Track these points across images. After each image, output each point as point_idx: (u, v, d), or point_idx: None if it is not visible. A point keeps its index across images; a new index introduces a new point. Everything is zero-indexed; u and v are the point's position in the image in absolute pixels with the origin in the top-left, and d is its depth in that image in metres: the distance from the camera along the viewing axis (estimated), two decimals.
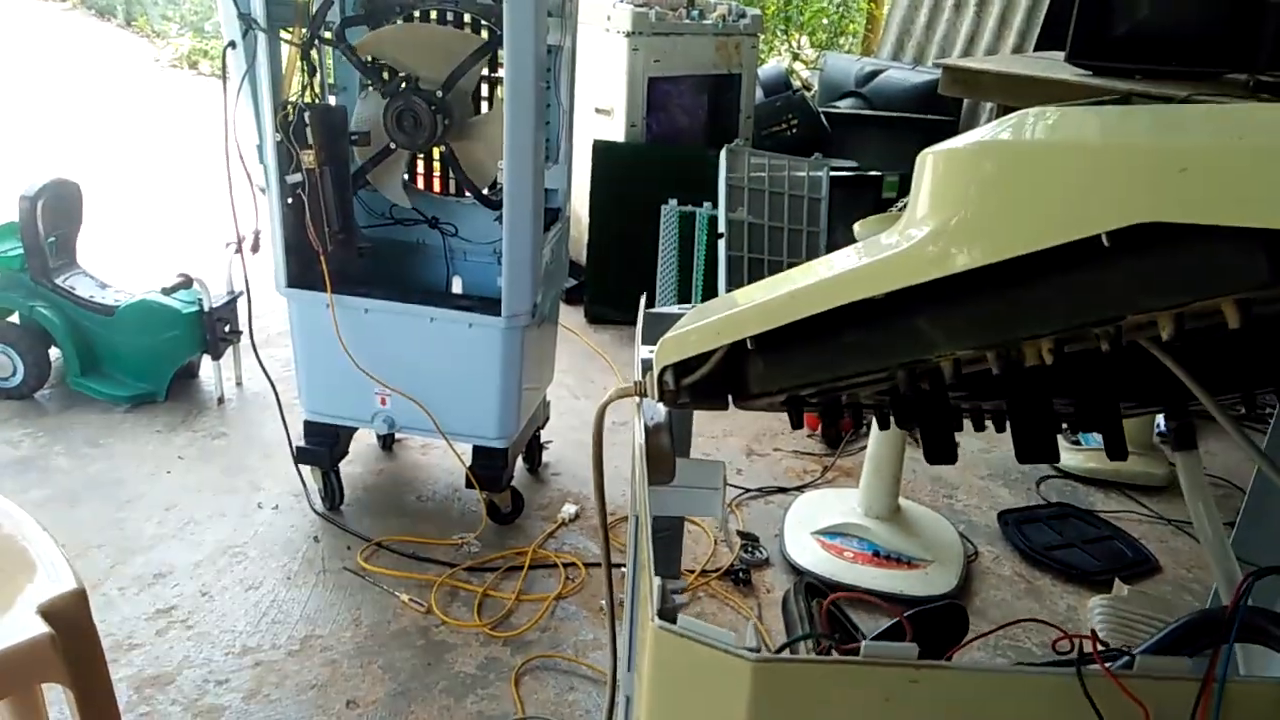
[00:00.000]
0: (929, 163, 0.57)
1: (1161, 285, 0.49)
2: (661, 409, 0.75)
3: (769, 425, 3.36)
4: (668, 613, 0.58)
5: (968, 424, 0.91)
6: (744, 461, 3.13)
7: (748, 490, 2.93)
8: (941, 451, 0.73)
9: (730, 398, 0.72)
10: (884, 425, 0.81)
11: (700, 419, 3.34)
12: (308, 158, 2.37)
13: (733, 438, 3.26)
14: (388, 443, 2.95)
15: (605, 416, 0.75)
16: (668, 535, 1.00)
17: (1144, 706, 0.55)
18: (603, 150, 3.93)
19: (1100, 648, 0.57)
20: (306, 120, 2.36)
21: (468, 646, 2.18)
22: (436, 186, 2.80)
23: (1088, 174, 0.49)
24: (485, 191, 2.60)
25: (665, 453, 0.71)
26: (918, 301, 0.57)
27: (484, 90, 2.69)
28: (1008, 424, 0.91)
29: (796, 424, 0.74)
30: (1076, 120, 0.56)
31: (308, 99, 2.43)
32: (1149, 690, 0.56)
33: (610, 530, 2.52)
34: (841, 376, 0.62)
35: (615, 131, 3.97)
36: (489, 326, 2.39)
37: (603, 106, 4.02)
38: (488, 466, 2.53)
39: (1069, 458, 3.08)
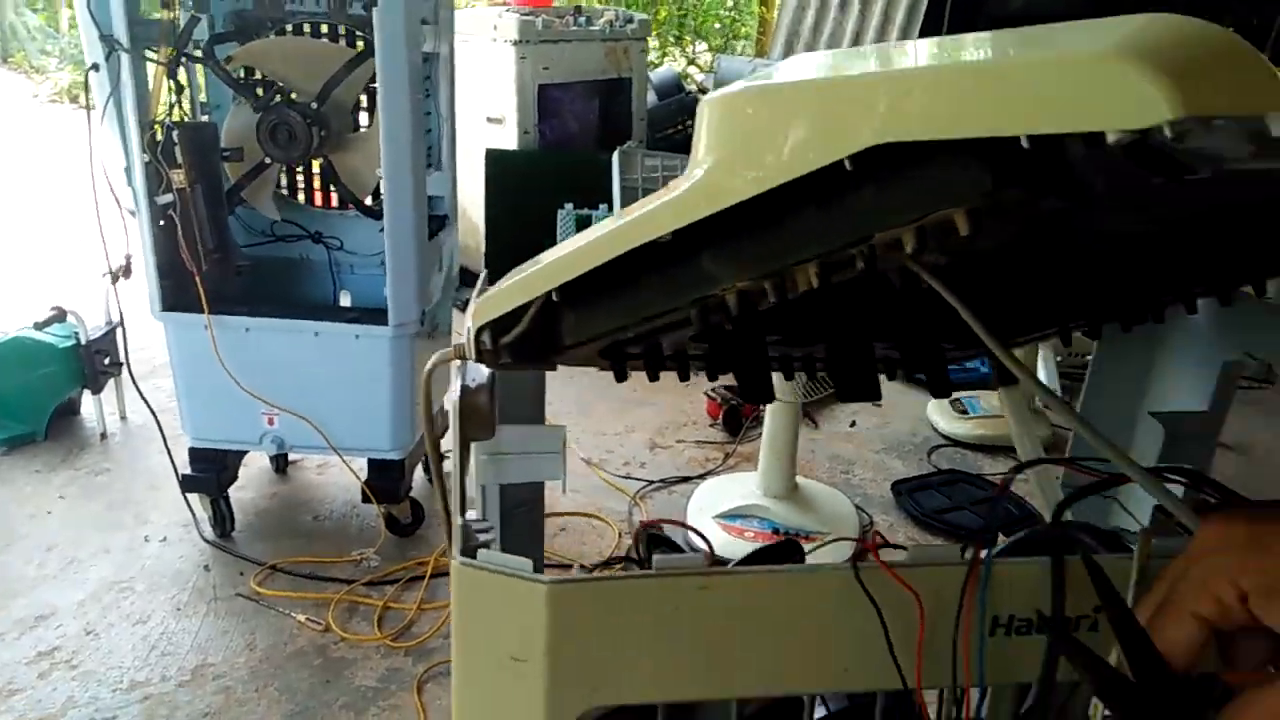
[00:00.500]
0: (704, 110, 0.61)
1: (900, 203, 0.53)
2: (484, 371, 0.77)
3: (672, 419, 3.41)
4: (469, 550, 0.61)
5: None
6: (647, 455, 3.17)
7: (651, 482, 2.96)
8: (756, 390, 0.77)
9: (551, 355, 0.74)
10: (713, 374, 0.85)
11: (604, 416, 3.36)
12: (178, 177, 2.33)
13: (636, 433, 3.30)
14: (281, 464, 2.89)
15: (431, 384, 0.76)
16: (525, 509, 1.02)
17: (915, 592, 0.60)
18: (495, 158, 3.94)
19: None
20: (175, 139, 2.31)
21: (368, 660, 2.15)
22: (318, 200, 2.77)
23: (828, 105, 0.53)
24: (368, 202, 2.58)
25: (483, 411, 0.73)
26: (700, 241, 0.61)
27: (364, 102, 2.68)
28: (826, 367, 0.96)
29: (620, 376, 0.77)
30: (825, 59, 0.61)
31: (176, 118, 2.38)
32: (923, 578, 0.60)
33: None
34: (644, 319, 0.65)
35: (508, 139, 3.99)
36: (377, 337, 2.37)
37: (494, 115, 4.03)
38: (384, 479, 2.50)
39: (956, 426, 3.21)
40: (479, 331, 0.71)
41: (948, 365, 1.03)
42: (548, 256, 0.69)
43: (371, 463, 2.51)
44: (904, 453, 3.21)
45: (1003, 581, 0.61)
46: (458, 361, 0.75)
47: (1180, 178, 0.82)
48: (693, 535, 2.17)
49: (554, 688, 0.60)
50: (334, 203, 2.75)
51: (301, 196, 2.76)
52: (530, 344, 0.74)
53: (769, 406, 2.87)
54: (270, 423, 2.47)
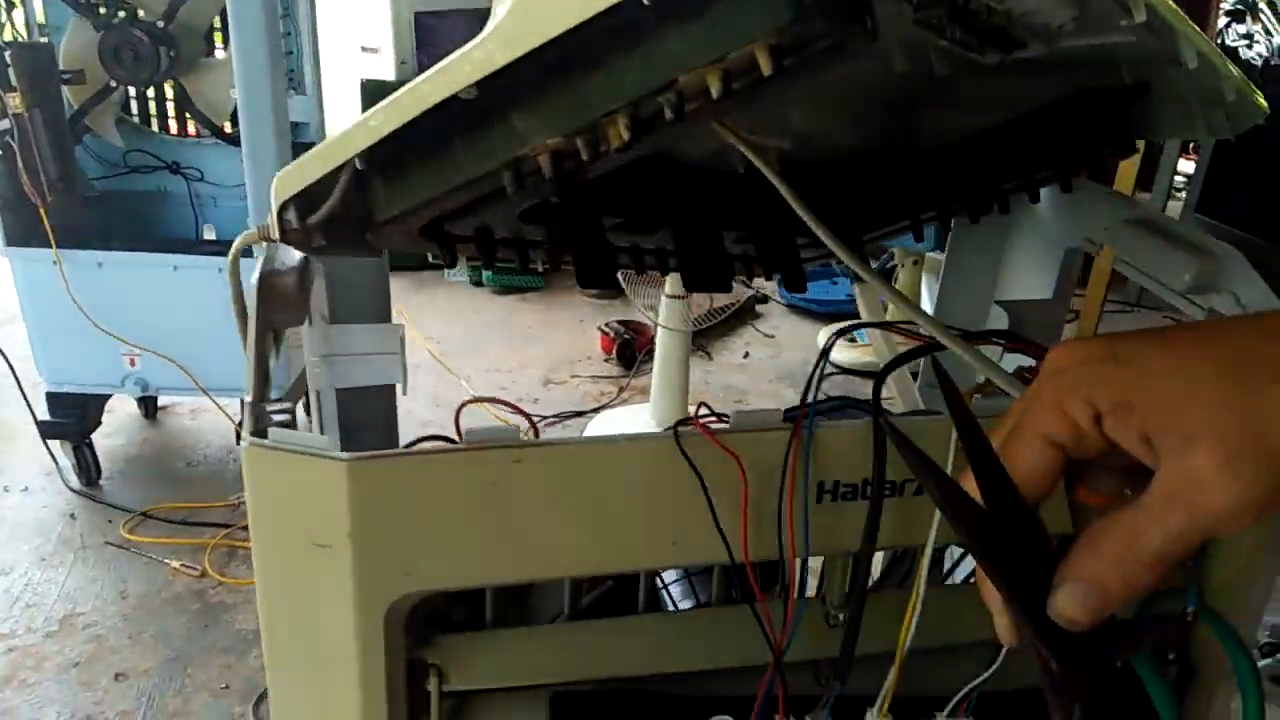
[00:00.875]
0: None
1: (700, 38, 0.51)
2: (295, 255, 0.72)
3: (566, 355, 3.38)
4: (260, 430, 0.56)
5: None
6: (541, 391, 3.13)
7: (545, 418, 2.93)
8: (595, 273, 0.74)
9: (366, 235, 0.69)
10: (554, 262, 0.81)
11: (497, 354, 3.30)
12: (14, 101, 2.15)
13: (529, 369, 3.25)
14: (150, 409, 2.75)
15: (238, 270, 0.71)
16: (373, 434, 0.98)
17: (735, 455, 0.58)
18: (372, 89, 3.77)
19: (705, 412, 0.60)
20: (9, 61, 2.12)
21: (250, 604, 2.08)
22: (173, 128, 2.60)
23: None
24: (228, 129, 2.43)
25: (286, 292, 0.68)
26: (507, 96, 0.57)
27: (220, 24, 2.51)
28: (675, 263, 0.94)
29: (450, 261, 0.73)
30: None
31: (8, 38, 2.19)
32: (745, 444, 0.59)
33: None
34: (457, 188, 0.61)
35: (385, 70, 3.82)
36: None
37: (369, 45, 3.86)
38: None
39: (846, 354, 3.27)
40: (282, 208, 0.65)
41: (801, 260, 1.03)
42: (353, 122, 0.64)
43: (245, 403, 2.40)
44: (796, 381, 3.26)
45: (828, 446, 0.60)
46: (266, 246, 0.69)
47: (1009, 50, 0.81)
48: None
49: (362, 574, 0.57)
50: (192, 131, 2.59)
51: (155, 124, 2.58)
52: (343, 223, 0.70)
53: (659, 338, 2.87)
54: (132, 364, 2.33)
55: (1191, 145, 3.64)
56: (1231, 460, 0.36)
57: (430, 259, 0.79)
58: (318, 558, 0.57)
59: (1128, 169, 3.35)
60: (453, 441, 0.57)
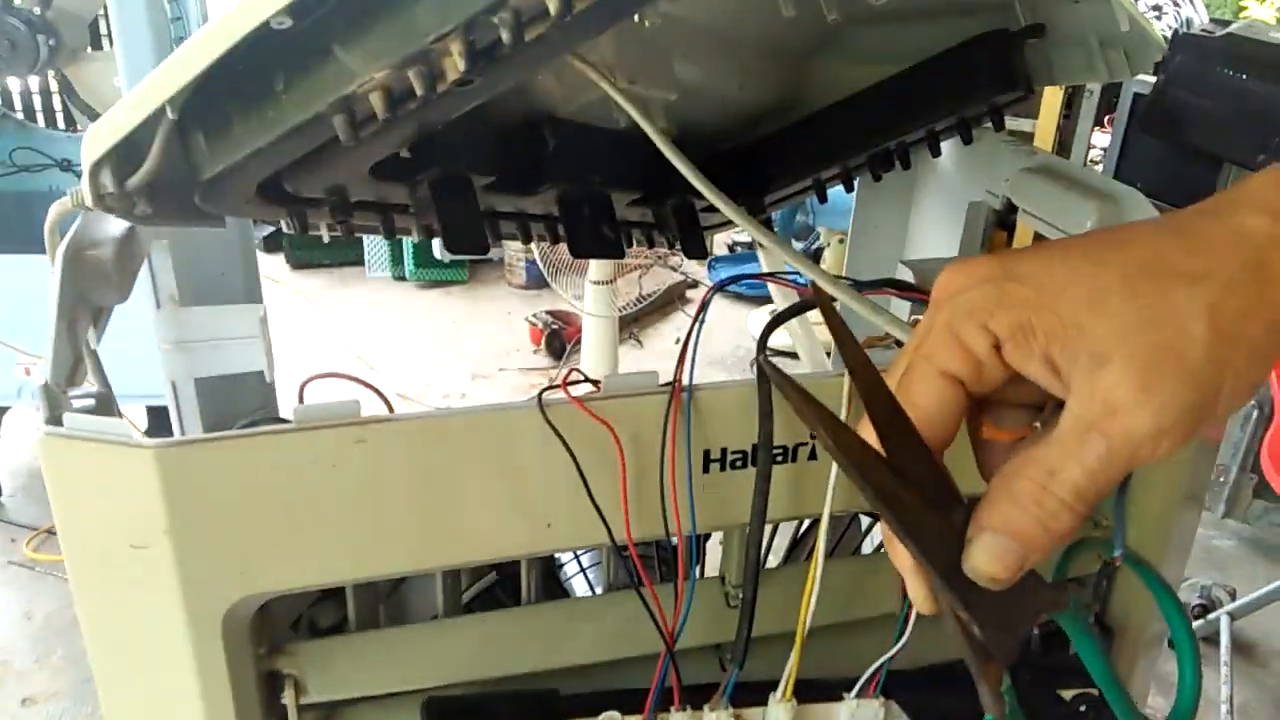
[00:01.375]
0: None
1: None
2: (117, 224, 0.64)
3: (494, 348, 3.30)
4: (56, 418, 0.49)
5: None
6: (469, 386, 3.05)
7: None
8: (463, 238, 0.68)
9: (196, 200, 0.62)
10: (426, 230, 0.75)
11: (421, 349, 3.20)
12: None
13: (456, 364, 3.17)
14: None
15: (56, 244, 0.63)
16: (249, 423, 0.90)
17: (607, 424, 0.53)
18: None
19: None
20: None
21: None
22: (61, 123, 2.46)
23: None
24: None
25: (103, 268, 0.60)
26: (327, 26, 0.51)
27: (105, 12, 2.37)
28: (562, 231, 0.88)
29: (300, 228, 0.66)
30: None
31: None
32: (620, 411, 0.54)
33: None
34: (285, 136, 0.54)
35: None
36: None
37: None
38: (166, 427, 2.28)
39: (783, 337, 3.25)
40: (95, 170, 0.58)
41: (702, 226, 0.98)
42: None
43: (150, 410, 2.28)
44: (728, 365, 3.23)
45: (712, 410, 0.55)
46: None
47: None
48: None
49: (188, 578, 0.50)
50: (81, 127, 2.45)
51: (42, 119, 2.44)
52: (168, 186, 0.62)
53: (585, 326, 2.81)
54: (27, 373, 2.19)
55: (1107, 118, 3.69)
56: (1148, 377, 0.32)
57: (326, 237, 0.72)
58: (136, 560, 0.50)
59: (1044, 144, 3.39)
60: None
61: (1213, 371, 0.32)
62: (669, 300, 3.69)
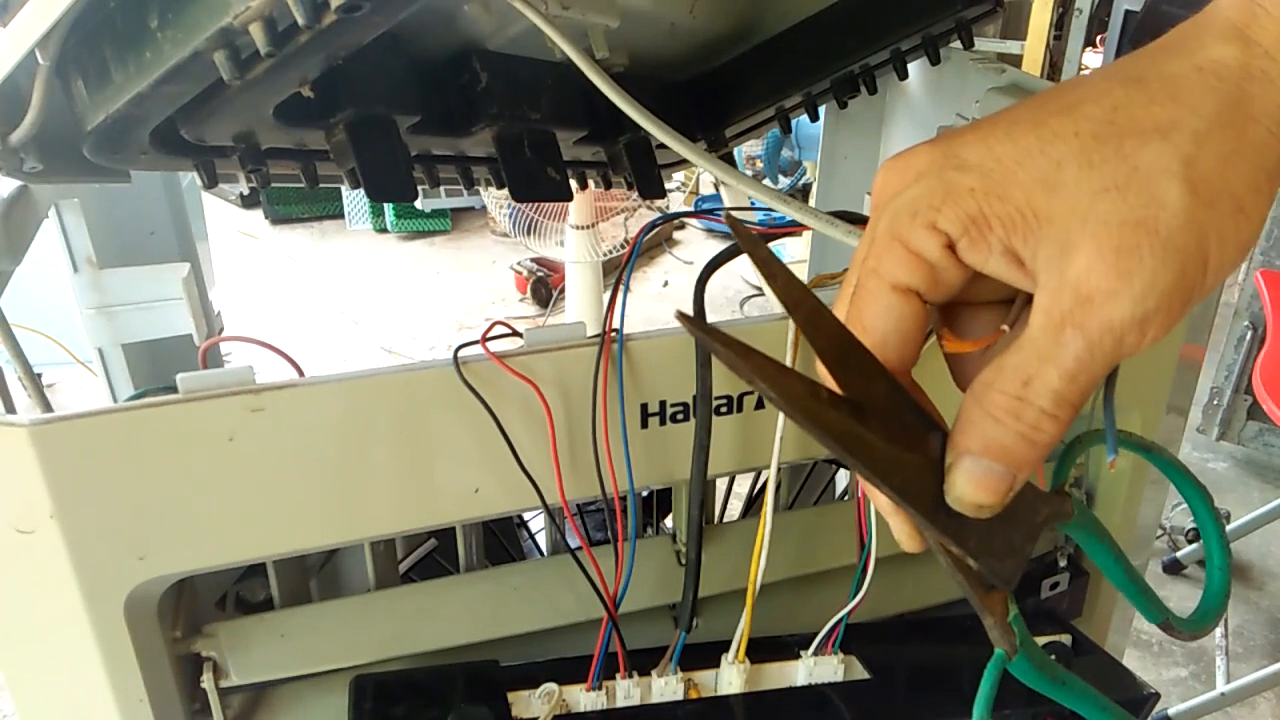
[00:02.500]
0: None
1: None
2: (5, 183, 0.59)
3: (479, 297, 3.26)
4: None
5: None
6: (455, 337, 3.01)
7: None
8: (387, 185, 0.63)
9: (85, 152, 0.57)
10: (354, 184, 0.70)
11: (406, 300, 3.16)
12: None
13: (441, 315, 3.13)
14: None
15: None
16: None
17: (530, 380, 0.49)
18: None
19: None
20: None
21: None
22: None
23: None
24: None
25: None
26: None
27: None
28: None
29: (208, 180, 0.61)
30: None
31: None
32: (544, 365, 0.50)
33: None
34: (165, 77, 0.49)
35: None
36: None
37: None
38: None
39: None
40: None
41: (656, 163, 0.93)
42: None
43: None
44: (717, 306, 3.19)
45: (646, 361, 0.51)
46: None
47: None
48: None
49: (82, 564, 0.47)
50: None
51: None
52: (55, 139, 0.58)
53: (568, 273, 2.75)
54: None
55: (1098, 38, 3.59)
56: (1122, 256, 0.28)
57: (245, 190, 0.68)
58: (24, 548, 0.46)
59: (1034, 65, 3.30)
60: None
61: (1195, 239, 0.28)
62: (656, 243, 3.63)
